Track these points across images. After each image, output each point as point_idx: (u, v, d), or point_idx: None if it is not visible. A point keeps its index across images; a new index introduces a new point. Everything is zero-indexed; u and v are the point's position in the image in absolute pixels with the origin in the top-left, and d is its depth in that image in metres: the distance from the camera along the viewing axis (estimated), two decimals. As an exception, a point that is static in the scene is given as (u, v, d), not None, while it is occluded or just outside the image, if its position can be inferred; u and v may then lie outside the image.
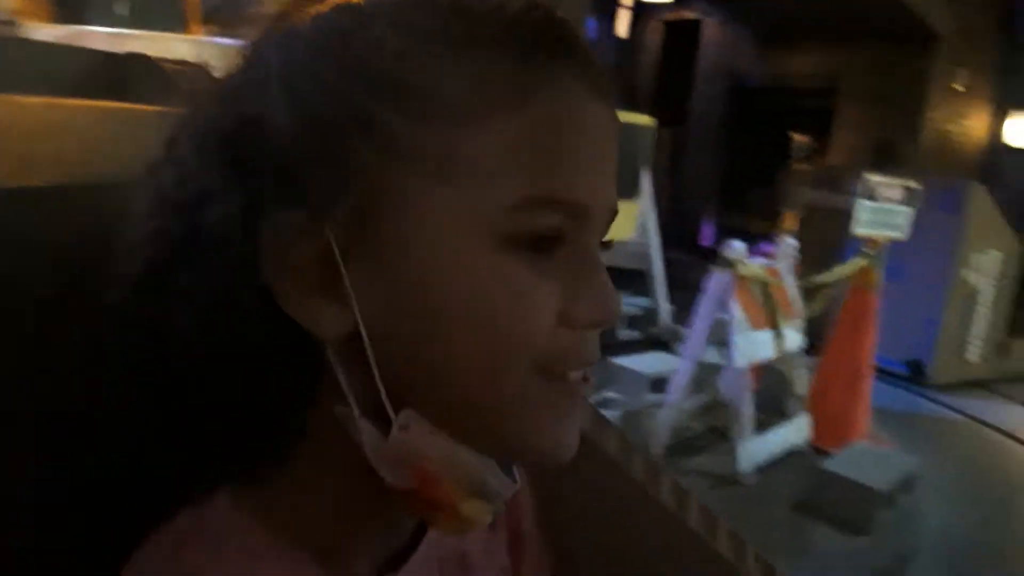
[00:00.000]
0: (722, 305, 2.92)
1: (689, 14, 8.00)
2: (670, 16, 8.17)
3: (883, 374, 3.75)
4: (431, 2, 0.33)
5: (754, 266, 3.00)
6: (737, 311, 2.90)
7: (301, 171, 0.32)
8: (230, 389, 0.34)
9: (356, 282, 0.33)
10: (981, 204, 4.93)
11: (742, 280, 2.92)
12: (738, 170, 7.31)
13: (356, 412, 0.33)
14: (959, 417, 4.57)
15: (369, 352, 0.33)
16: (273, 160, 0.32)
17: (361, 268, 0.33)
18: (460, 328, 0.33)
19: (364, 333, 0.33)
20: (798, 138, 6.06)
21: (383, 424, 0.33)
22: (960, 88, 6.83)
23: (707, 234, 7.70)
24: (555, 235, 0.34)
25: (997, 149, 7.15)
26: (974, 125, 7.13)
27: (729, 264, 2.88)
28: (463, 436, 0.34)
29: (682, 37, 8.08)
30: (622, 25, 5.60)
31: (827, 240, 4.03)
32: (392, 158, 0.32)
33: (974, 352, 5.23)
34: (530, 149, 0.32)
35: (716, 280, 2.93)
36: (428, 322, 0.33)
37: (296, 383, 0.35)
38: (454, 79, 0.32)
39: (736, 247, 2.92)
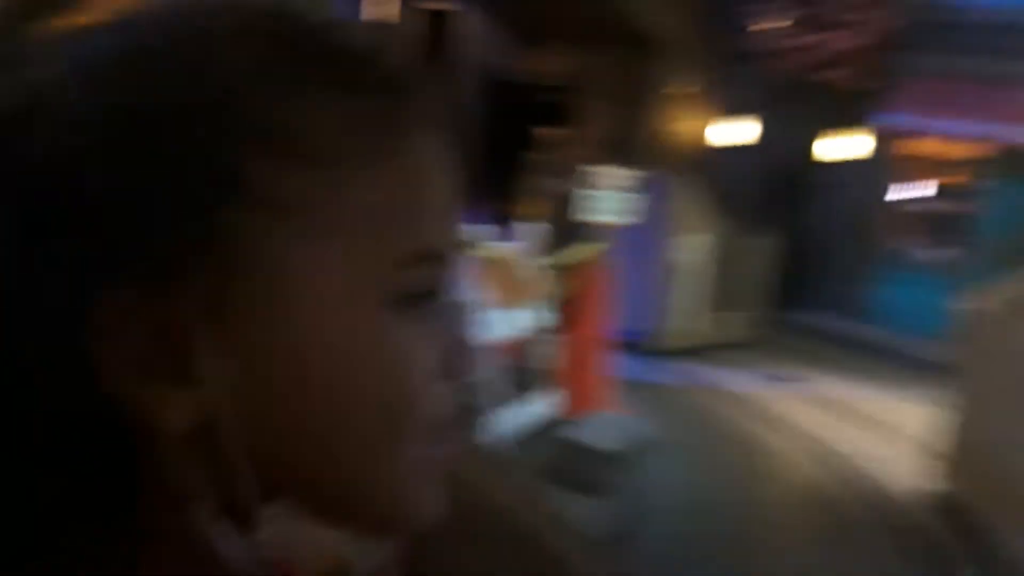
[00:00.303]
0: (470, 286, 3.01)
1: (446, 5, 8.16)
2: (427, 4, 8.26)
3: (616, 346, 4.13)
4: (288, 34, 0.28)
5: (496, 249, 3.14)
6: (483, 292, 3.01)
7: (132, 232, 0.25)
8: (17, 483, 0.26)
9: (212, 362, 0.26)
10: (684, 193, 5.86)
11: (487, 262, 3.04)
12: (495, 158, 7.64)
13: (208, 513, 0.28)
14: (683, 382, 5.21)
15: (226, 442, 0.27)
16: (90, 218, 0.25)
17: (218, 344, 0.26)
18: (347, 403, 0.28)
19: (220, 421, 0.27)
20: (545, 131, 6.46)
21: (242, 522, 0.28)
22: (680, 92, 7.73)
23: (470, 219, 7.97)
24: (430, 289, 0.31)
25: (710, 147, 8.24)
26: (693, 125, 8.13)
27: (472, 247, 2.98)
28: (333, 518, 0.30)
29: (439, 27, 8.21)
30: (371, 8, 5.52)
31: (569, 224, 4.35)
32: (259, 213, 0.26)
33: (687, 323, 6.03)
34: (406, 198, 0.29)
35: (463, 263, 3.02)
36: (307, 399, 0.28)
37: (118, 483, 0.27)
38: (328, 123, 0.28)
39: (478, 231, 3.04)
